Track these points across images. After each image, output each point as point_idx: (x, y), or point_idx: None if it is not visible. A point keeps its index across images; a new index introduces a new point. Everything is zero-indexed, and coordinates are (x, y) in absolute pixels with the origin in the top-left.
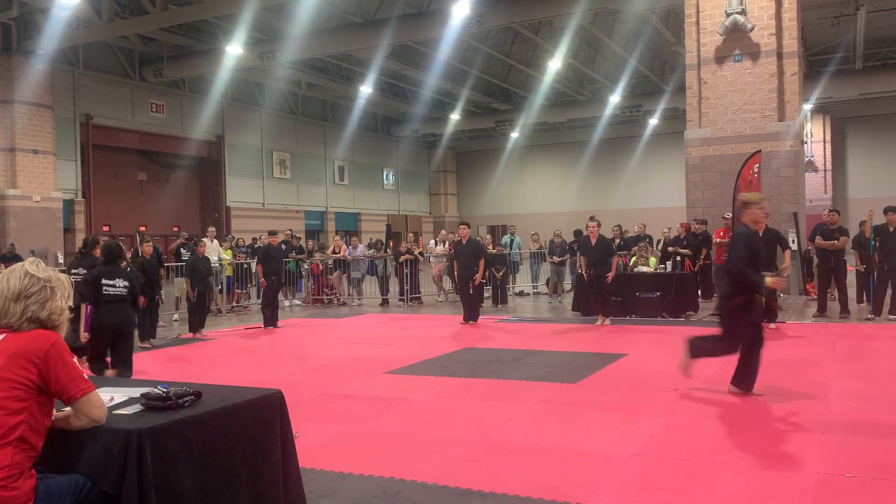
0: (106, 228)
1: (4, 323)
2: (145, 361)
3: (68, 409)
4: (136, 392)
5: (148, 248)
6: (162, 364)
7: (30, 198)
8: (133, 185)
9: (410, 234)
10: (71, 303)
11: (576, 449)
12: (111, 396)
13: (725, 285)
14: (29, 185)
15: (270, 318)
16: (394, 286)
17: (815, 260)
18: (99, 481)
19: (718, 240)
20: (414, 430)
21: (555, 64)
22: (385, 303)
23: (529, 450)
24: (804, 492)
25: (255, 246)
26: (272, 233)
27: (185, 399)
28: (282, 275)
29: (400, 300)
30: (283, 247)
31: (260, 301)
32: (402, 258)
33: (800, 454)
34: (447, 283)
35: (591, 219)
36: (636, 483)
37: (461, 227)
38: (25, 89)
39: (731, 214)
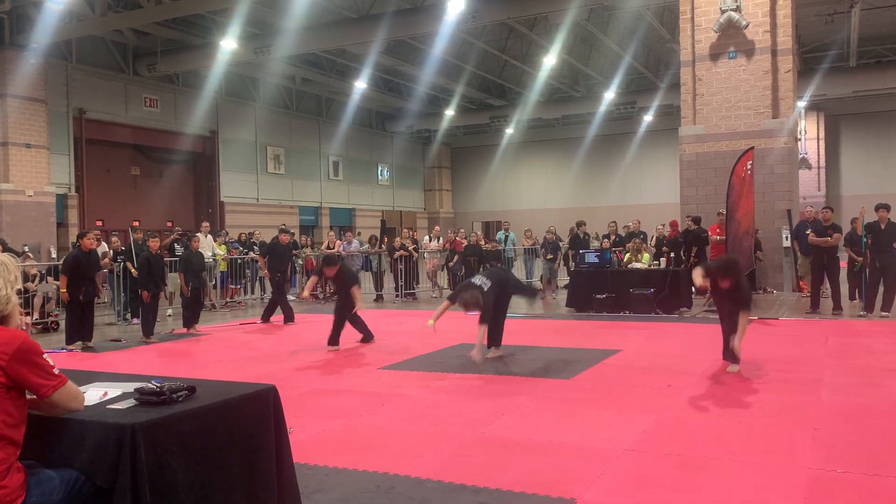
0: (99, 223)
1: None
2: (140, 357)
3: None
4: (131, 387)
5: (154, 244)
6: (156, 359)
7: (23, 192)
8: (126, 179)
9: (405, 230)
10: (20, 286)
11: (569, 444)
12: (105, 391)
13: None
14: (22, 179)
15: (287, 313)
16: (388, 282)
17: (801, 258)
18: (93, 475)
19: (717, 237)
20: (408, 425)
21: (550, 60)
22: (379, 298)
23: (523, 445)
24: (796, 487)
25: (257, 241)
26: (283, 230)
27: (179, 394)
28: (287, 273)
29: (395, 296)
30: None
31: (260, 296)
32: (397, 254)
33: (792, 450)
34: (442, 279)
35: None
36: (630, 478)
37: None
38: (18, 83)
39: (725, 211)
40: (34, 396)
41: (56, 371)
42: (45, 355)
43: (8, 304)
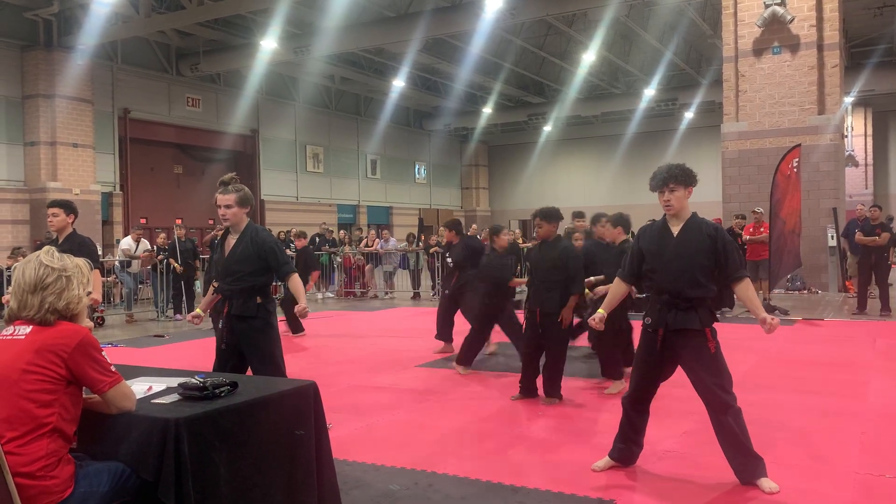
0: (143, 221)
1: (25, 315)
2: (181, 352)
3: None
4: (174, 382)
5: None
6: (198, 355)
7: (70, 191)
8: (169, 178)
9: (442, 228)
10: (90, 288)
11: (609, 445)
12: (149, 386)
13: None
14: (69, 178)
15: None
16: (425, 280)
17: (850, 257)
18: (138, 468)
19: (748, 236)
20: (446, 423)
21: (589, 57)
22: (416, 296)
23: (561, 445)
24: (843, 492)
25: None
26: (299, 234)
27: (222, 389)
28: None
29: (432, 293)
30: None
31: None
32: (432, 250)
33: (839, 454)
34: None
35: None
36: (670, 480)
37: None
38: (66, 84)
39: (761, 209)
40: (90, 396)
41: (112, 368)
42: (103, 352)
43: (79, 303)
